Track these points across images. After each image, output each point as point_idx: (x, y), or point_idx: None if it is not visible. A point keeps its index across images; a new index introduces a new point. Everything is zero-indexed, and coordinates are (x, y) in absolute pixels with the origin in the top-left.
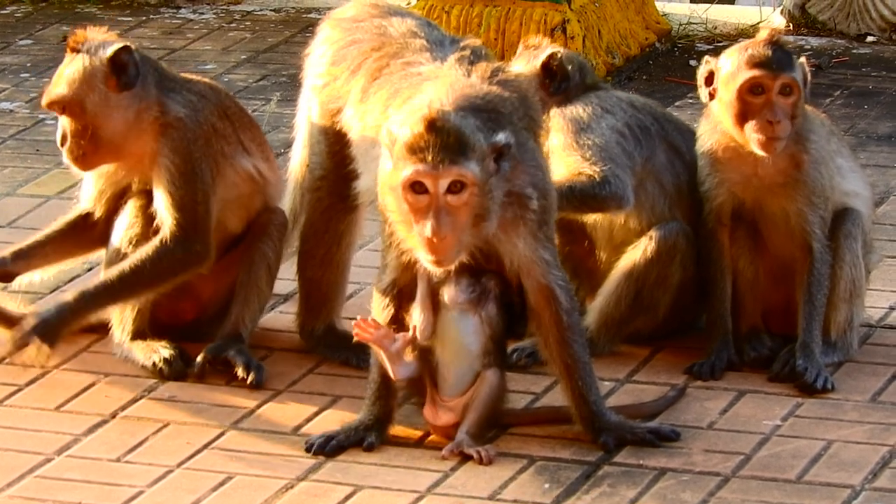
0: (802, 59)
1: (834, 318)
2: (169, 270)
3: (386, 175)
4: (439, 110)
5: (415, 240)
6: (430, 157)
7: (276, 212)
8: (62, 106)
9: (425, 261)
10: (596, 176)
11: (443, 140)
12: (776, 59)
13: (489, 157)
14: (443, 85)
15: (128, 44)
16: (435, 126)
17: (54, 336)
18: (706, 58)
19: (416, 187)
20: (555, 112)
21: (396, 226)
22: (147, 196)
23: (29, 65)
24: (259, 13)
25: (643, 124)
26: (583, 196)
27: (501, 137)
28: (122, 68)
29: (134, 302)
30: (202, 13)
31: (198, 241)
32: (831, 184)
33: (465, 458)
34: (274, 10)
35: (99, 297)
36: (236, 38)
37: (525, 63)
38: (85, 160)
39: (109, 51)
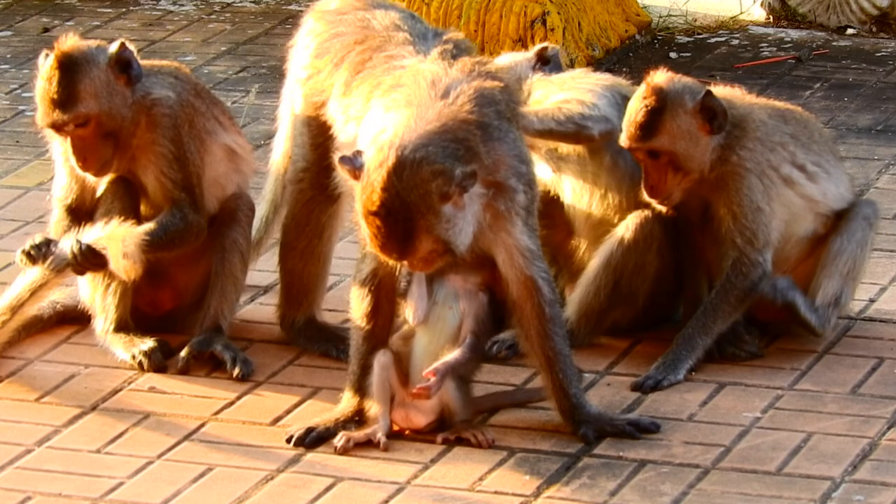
0: (692, 102)
1: (824, 287)
2: (182, 241)
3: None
4: (386, 196)
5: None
6: (386, 249)
7: (242, 197)
8: (91, 119)
9: None
10: (585, 101)
11: (391, 229)
12: (641, 125)
13: (449, 200)
14: (408, 120)
15: (122, 40)
16: (382, 214)
17: (105, 267)
18: None
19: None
20: (540, 76)
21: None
22: (120, 181)
23: (9, 56)
24: (239, 5)
25: (626, 94)
26: (570, 114)
27: (458, 174)
28: (127, 64)
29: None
30: (182, 5)
31: (200, 216)
32: (768, 196)
33: (464, 442)
34: (254, 2)
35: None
36: (216, 30)
37: (511, 56)
38: (108, 166)
39: (112, 50)
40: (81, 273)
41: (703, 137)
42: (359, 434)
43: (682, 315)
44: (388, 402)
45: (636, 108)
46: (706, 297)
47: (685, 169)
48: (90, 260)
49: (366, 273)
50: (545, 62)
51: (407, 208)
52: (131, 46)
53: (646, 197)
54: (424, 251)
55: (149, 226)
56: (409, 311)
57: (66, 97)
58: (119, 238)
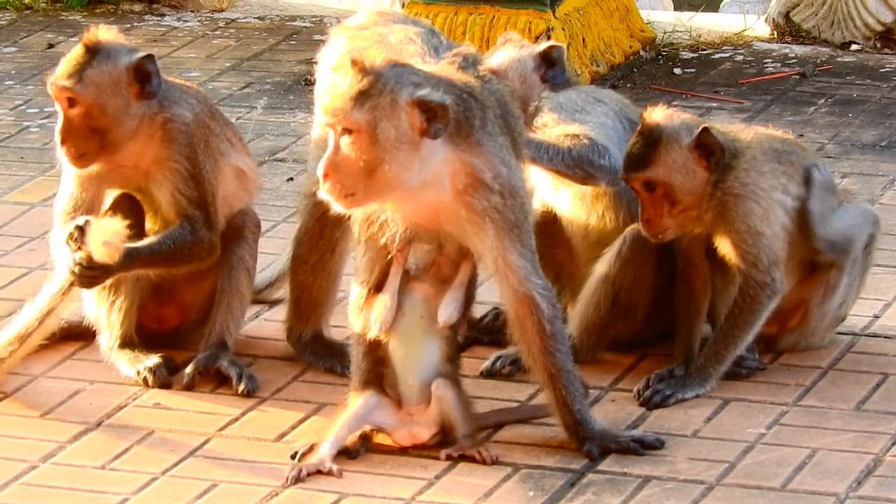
0: (688, 138)
1: (841, 217)
2: (191, 256)
3: None
4: (362, 59)
5: None
6: (326, 100)
7: (249, 214)
8: (80, 104)
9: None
10: (598, 145)
11: (345, 84)
12: (637, 156)
13: (406, 110)
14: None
15: (151, 53)
16: (352, 68)
17: (110, 275)
18: None
19: (329, 126)
20: (547, 94)
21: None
22: (125, 199)
23: (13, 72)
24: (243, 21)
25: (631, 118)
26: (579, 159)
27: (429, 94)
28: (146, 77)
29: (156, 272)
30: (186, 21)
31: (213, 234)
32: (767, 219)
33: (467, 459)
34: (258, 18)
35: (144, 260)
36: (221, 46)
37: (516, 49)
38: (85, 159)
39: (135, 58)
40: (87, 285)
41: (700, 173)
42: (310, 464)
43: (675, 357)
44: (344, 439)
45: (633, 140)
46: (699, 341)
47: (682, 203)
48: (90, 266)
49: (363, 287)
50: (550, 64)
51: None
52: (157, 64)
53: (643, 231)
54: None
55: (157, 236)
56: (374, 319)
57: (72, 72)
58: (104, 228)
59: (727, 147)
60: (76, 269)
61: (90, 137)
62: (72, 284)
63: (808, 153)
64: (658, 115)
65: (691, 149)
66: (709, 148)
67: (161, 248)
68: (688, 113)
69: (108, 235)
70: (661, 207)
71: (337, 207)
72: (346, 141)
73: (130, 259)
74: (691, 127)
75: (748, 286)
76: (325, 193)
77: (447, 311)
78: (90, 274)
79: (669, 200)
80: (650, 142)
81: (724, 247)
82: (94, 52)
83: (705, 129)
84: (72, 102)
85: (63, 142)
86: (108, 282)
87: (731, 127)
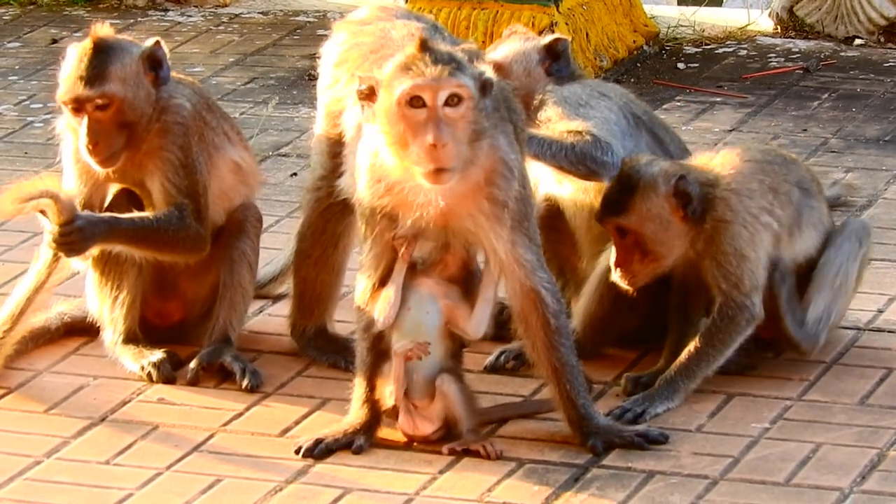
0: (665, 185)
1: (815, 300)
2: (175, 242)
3: (378, 106)
4: (428, 36)
5: (412, 157)
6: (427, 71)
7: (250, 208)
8: (113, 103)
9: (425, 175)
10: (601, 141)
11: (438, 56)
12: (611, 201)
13: (478, 82)
14: None
15: (158, 38)
16: (427, 45)
17: (90, 241)
18: None
19: (414, 102)
20: (551, 88)
21: (390, 150)
22: (126, 193)
23: (17, 67)
24: (247, 16)
25: (635, 113)
26: (581, 155)
27: (485, 72)
28: (158, 64)
29: (140, 254)
30: (190, 16)
31: (202, 227)
32: (753, 242)
33: (472, 454)
34: (262, 13)
35: (125, 232)
36: (224, 41)
37: (521, 42)
38: (115, 158)
39: (146, 47)
40: (68, 252)
41: (675, 223)
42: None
43: (662, 357)
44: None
45: (611, 184)
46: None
47: (652, 254)
48: (63, 234)
49: (368, 282)
50: (555, 56)
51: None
52: (165, 47)
53: (613, 274)
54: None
55: (143, 213)
56: (377, 313)
57: (95, 75)
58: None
59: (707, 181)
60: (52, 239)
61: (119, 134)
62: (56, 256)
63: (791, 165)
64: (638, 158)
65: (668, 197)
66: (686, 196)
67: (143, 224)
68: (667, 161)
69: (28, 190)
70: (632, 254)
71: (434, 181)
72: (451, 112)
73: (109, 227)
74: (669, 174)
75: (727, 307)
76: (436, 163)
77: (480, 327)
78: (66, 240)
79: (640, 249)
80: (627, 187)
81: (709, 268)
82: (106, 50)
83: (682, 177)
84: (101, 105)
85: (95, 146)
86: (110, 279)
87: (703, 156)
